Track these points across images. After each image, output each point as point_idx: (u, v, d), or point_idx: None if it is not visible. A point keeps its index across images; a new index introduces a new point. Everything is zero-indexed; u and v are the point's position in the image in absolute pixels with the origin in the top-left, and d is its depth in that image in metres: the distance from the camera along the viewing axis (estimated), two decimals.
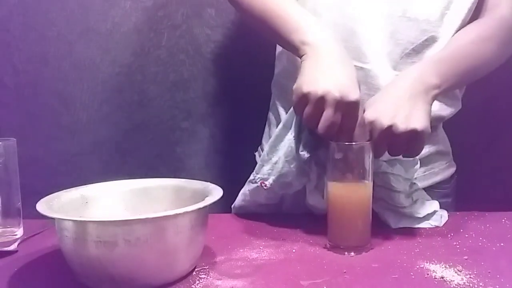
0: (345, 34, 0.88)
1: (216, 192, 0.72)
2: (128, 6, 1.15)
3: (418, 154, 0.79)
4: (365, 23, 0.88)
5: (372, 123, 0.76)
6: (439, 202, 0.91)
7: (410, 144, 0.77)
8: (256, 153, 1.07)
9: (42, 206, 0.68)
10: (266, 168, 0.86)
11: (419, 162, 0.84)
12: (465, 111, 0.96)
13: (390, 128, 0.75)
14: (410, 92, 0.78)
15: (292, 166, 0.83)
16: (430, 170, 0.96)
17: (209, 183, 0.77)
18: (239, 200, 0.94)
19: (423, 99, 0.78)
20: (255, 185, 0.88)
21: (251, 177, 0.89)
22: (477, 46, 0.86)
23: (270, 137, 1.04)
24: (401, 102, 0.77)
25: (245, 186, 0.92)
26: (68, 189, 0.77)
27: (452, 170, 1.01)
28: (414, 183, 0.85)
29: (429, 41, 0.88)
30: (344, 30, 0.89)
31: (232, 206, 0.95)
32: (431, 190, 0.94)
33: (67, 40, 1.14)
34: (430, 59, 0.84)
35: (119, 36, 1.15)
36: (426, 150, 0.94)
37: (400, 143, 0.77)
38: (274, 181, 0.85)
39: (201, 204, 0.67)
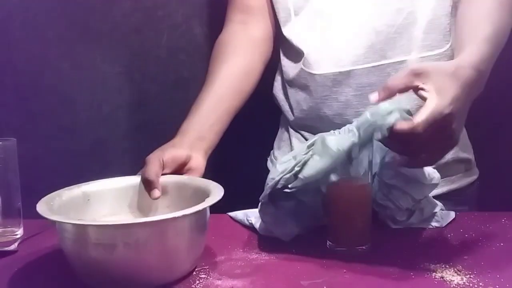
0: (323, 42, 0.91)
1: (217, 192, 0.72)
2: (128, 6, 1.15)
3: (437, 161, 0.73)
4: (340, 25, 0.90)
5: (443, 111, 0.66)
6: (453, 210, 0.89)
7: (440, 145, 0.70)
8: (268, 159, 1.07)
9: (42, 207, 0.68)
10: (256, 211, 0.85)
11: (437, 183, 0.82)
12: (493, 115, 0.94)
13: (447, 116, 0.67)
14: (469, 85, 0.70)
15: (267, 215, 0.80)
16: (445, 178, 0.92)
17: (211, 181, 0.77)
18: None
19: (474, 94, 0.73)
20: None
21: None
22: (506, 22, 0.81)
23: (281, 141, 1.03)
24: (462, 97, 0.69)
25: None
26: (70, 187, 0.77)
27: (472, 178, 0.98)
28: (420, 200, 0.84)
29: (409, 19, 0.87)
30: (321, 38, 0.91)
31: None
32: (445, 198, 0.91)
33: (67, 40, 1.14)
34: (482, 42, 0.76)
35: (119, 36, 1.15)
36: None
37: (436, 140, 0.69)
38: (260, 225, 0.84)
39: (200, 207, 0.67)
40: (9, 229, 0.84)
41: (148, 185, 0.79)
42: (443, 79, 0.68)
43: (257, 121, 1.15)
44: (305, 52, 0.93)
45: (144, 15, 1.15)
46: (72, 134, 1.16)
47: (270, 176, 0.77)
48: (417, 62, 0.83)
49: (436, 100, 0.66)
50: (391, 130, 0.67)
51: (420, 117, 0.66)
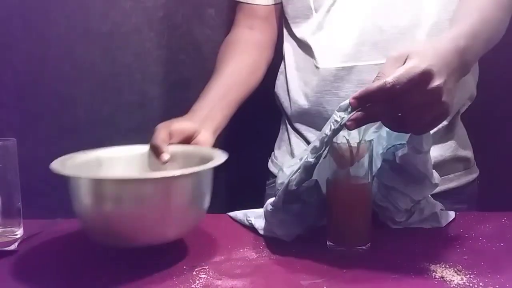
0: (329, 37, 0.93)
1: (220, 157, 0.75)
2: (128, 6, 1.15)
3: (429, 127, 0.71)
4: (347, 21, 0.91)
5: (425, 73, 0.66)
6: (451, 209, 0.89)
7: (429, 114, 0.68)
8: (269, 160, 1.07)
9: (56, 165, 0.71)
10: (256, 211, 0.85)
11: (438, 184, 0.81)
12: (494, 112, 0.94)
13: (426, 72, 0.65)
14: (450, 55, 0.70)
15: (274, 218, 0.79)
16: (444, 176, 0.91)
17: (216, 149, 0.81)
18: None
19: (464, 72, 0.73)
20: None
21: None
22: (497, 17, 0.82)
23: (281, 141, 1.04)
24: (441, 63, 0.68)
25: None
26: (84, 151, 0.80)
27: (471, 177, 0.98)
28: (419, 201, 0.84)
29: (413, 21, 0.88)
30: (328, 33, 0.93)
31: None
32: (443, 197, 0.91)
33: (68, 40, 1.14)
34: (470, 30, 0.76)
35: (119, 37, 1.15)
36: (440, 154, 0.92)
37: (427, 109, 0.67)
38: (260, 225, 0.84)
39: (203, 167, 0.71)
40: (9, 229, 0.84)
41: (156, 150, 0.84)
42: (420, 49, 0.69)
43: (258, 123, 1.15)
44: (312, 46, 0.95)
45: (144, 16, 1.15)
46: (72, 134, 1.16)
47: (279, 181, 0.78)
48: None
49: (411, 60, 0.67)
50: (365, 94, 0.67)
51: (392, 76, 0.65)
